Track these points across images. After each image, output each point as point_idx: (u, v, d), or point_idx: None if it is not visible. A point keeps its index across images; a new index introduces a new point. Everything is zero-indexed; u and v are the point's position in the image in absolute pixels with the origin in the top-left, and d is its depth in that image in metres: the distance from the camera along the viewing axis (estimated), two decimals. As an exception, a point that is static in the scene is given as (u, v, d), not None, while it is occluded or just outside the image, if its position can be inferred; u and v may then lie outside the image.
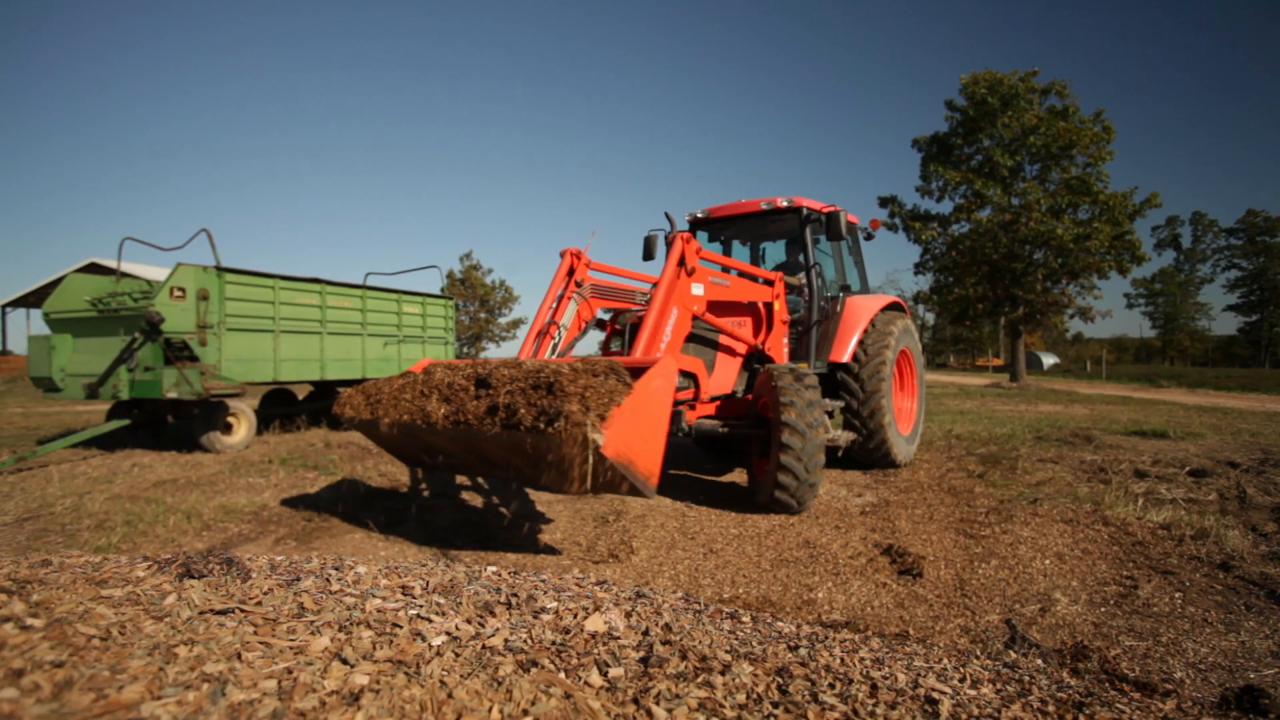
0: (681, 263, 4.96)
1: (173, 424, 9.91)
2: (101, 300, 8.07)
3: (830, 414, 6.32)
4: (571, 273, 5.27)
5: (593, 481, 3.43)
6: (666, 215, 6.49)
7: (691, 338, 5.70)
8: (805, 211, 6.47)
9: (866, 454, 6.57)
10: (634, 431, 3.47)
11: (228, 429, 8.39)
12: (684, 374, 5.23)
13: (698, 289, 5.22)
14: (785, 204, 6.50)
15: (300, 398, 11.51)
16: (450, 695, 1.66)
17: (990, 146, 24.09)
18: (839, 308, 6.76)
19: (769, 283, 6.23)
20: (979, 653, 2.77)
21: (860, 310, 6.66)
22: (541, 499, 5.75)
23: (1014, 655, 2.73)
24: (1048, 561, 3.97)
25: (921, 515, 5.02)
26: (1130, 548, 4.18)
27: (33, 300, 30.15)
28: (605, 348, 6.47)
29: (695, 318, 5.29)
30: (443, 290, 14.29)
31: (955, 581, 3.70)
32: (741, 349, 6.15)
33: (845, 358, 6.38)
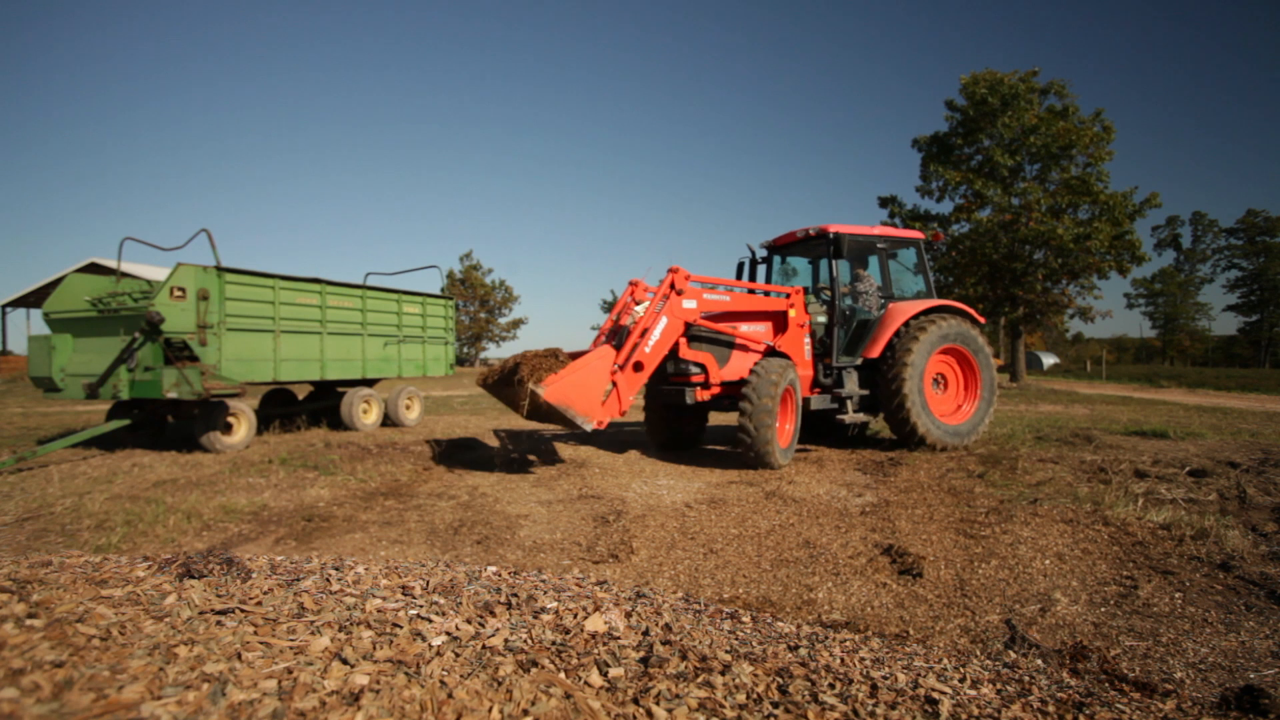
0: (672, 286, 6.91)
1: (173, 424, 9.91)
2: (101, 300, 8.07)
3: (853, 399, 7.92)
4: (634, 295, 7.33)
5: (538, 413, 6.21)
6: (749, 246, 8.72)
7: (705, 338, 7.42)
8: (831, 235, 7.80)
9: (899, 434, 7.88)
10: (570, 387, 6.11)
11: (228, 429, 8.39)
12: (695, 364, 7.28)
13: (689, 304, 7.04)
14: (815, 232, 8.02)
15: (300, 398, 11.52)
16: (450, 695, 1.66)
17: (990, 146, 24.07)
18: (882, 313, 8.12)
19: (786, 295, 7.83)
20: (979, 653, 2.78)
21: (897, 315, 7.90)
22: (544, 500, 5.75)
23: (1014, 655, 2.73)
24: (1048, 561, 3.96)
25: (921, 515, 5.02)
26: (1130, 548, 4.18)
27: (33, 300, 30.17)
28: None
29: (691, 324, 7.12)
30: (443, 290, 14.29)
31: (955, 581, 3.70)
32: (758, 346, 7.67)
33: (875, 354, 7.84)
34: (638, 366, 6.74)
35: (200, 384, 7.61)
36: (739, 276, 8.76)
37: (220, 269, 8.14)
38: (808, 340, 7.93)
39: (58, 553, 3.08)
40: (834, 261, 7.83)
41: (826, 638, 2.56)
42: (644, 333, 6.71)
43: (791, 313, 7.75)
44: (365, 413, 10.68)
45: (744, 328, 7.59)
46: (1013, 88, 23.24)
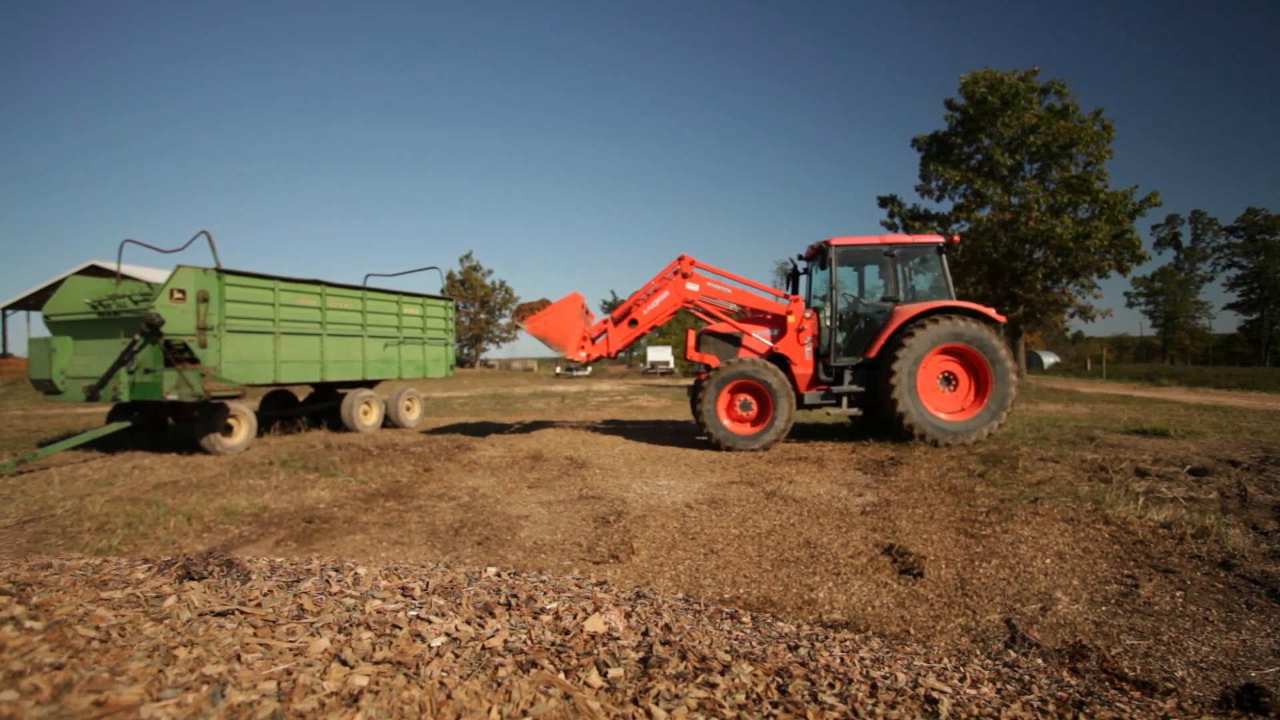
0: (679, 271, 8.65)
1: (173, 426, 9.91)
2: (102, 302, 8.08)
3: (846, 396, 8.60)
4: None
5: (533, 336, 8.60)
6: (791, 260, 9.91)
7: (712, 341, 8.94)
8: (825, 247, 8.69)
9: (895, 428, 8.21)
10: (545, 325, 8.50)
11: (228, 431, 8.40)
12: (702, 364, 8.86)
13: (692, 286, 8.67)
14: (819, 245, 8.85)
15: (300, 399, 11.52)
16: (450, 696, 1.66)
17: (990, 146, 24.06)
18: (888, 316, 8.52)
19: (787, 301, 8.87)
20: (979, 652, 2.78)
21: (898, 316, 8.28)
22: (545, 501, 5.75)
23: (1014, 654, 2.73)
24: (1048, 561, 3.96)
25: (922, 515, 5.02)
26: (1131, 547, 4.18)
27: (33, 303, 30.17)
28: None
29: (701, 331, 8.96)
30: (443, 291, 14.29)
31: (956, 581, 3.70)
32: (761, 348, 8.84)
33: (873, 354, 8.41)
34: (632, 322, 8.70)
35: (200, 386, 7.61)
36: (786, 285, 9.82)
37: (220, 271, 8.14)
38: (808, 342, 8.77)
39: (58, 555, 3.08)
40: (833, 270, 8.61)
41: (826, 638, 2.56)
42: (640, 300, 8.67)
43: (790, 318, 8.74)
44: (365, 414, 10.69)
45: (754, 332, 8.87)
46: (1013, 87, 23.24)
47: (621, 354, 9.56)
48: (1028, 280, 23.87)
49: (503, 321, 59.51)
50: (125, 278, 8.54)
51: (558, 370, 51.92)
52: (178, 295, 7.67)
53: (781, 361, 8.76)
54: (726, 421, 8.37)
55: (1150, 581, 3.61)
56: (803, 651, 2.27)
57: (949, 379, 8.37)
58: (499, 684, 1.75)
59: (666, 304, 8.66)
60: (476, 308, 57.60)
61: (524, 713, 1.64)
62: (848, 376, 8.59)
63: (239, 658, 1.76)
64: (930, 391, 8.23)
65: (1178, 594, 3.46)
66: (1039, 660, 2.64)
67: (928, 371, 8.17)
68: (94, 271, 23.72)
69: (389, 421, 11.33)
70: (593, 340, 8.85)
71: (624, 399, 19.12)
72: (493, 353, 62.16)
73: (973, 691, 2.01)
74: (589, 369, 53.18)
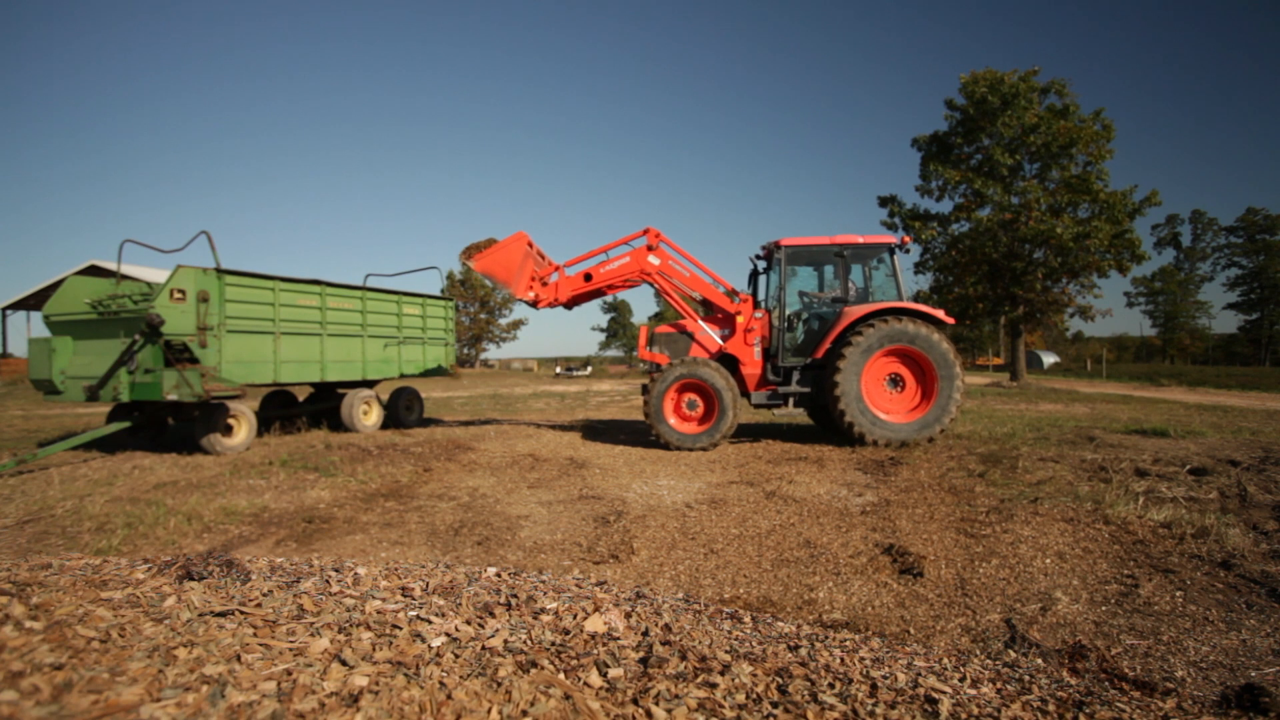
0: (646, 243, 8.89)
1: (173, 426, 9.91)
2: (102, 303, 8.07)
3: (792, 396, 8.66)
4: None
5: (479, 274, 8.63)
6: (751, 259, 9.55)
7: (663, 339, 9.06)
8: (774, 247, 8.74)
9: (841, 429, 8.23)
10: (491, 262, 8.51)
11: (228, 431, 8.39)
12: (653, 363, 8.98)
13: (653, 259, 8.87)
14: (770, 245, 8.82)
15: (300, 399, 11.52)
16: (449, 696, 1.66)
17: (990, 145, 24.03)
18: (836, 317, 8.51)
19: (735, 297, 8.98)
20: (979, 652, 2.77)
21: (845, 318, 8.28)
22: (545, 501, 5.75)
23: (1014, 654, 2.73)
24: (1048, 560, 3.96)
25: (922, 515, 5.02)
26: (1131, 546, 4.18)
27: (33, 303, 30.16)
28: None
29: (665, 327, 9.07)
30: (443, 291, 14.30)
31: (956, 581, 3.70)
32: (712, 347, 8.94)
33: (819, 355, 8.44)
34: (588, 277, 8.86)
35: (200, 386, 7.61)
36: (748, 284, 9.58)
37: (220, 271, 8.14)
38: (756, 342, 8.80)
39: (58, 555, 3.08)
40: (782, 270, 8.66)
41: (826, 637, 2.56)
42: (601, 258, 8.89)
43: (739, 318, 8.79)
44: (365, 414, 10.68)
45: (706, 330, 8.96)
46: (1013, 87, 23.20)
47: (575, 306, 9.19)
48: (1028, 280, 23.85)
49: (503, 321, 59.53)
50: (125, 278, 8.54)
51: (557, 370, 51.95)
52: (178, 295, 7.66)
53: (730, 361, 8.79)
54: (673, 420, 8.43)
55: (1150, 581, 3.61)
56: (803, 651, 2.27)
57: (896, 380, 8.31)
58: (499, 684, 1.75)
59: (625, 268, 8.82)
60: (476, 308, 57.60)
61: (524, 713, 1.64)
62: (795, 377, 8.61)
63: (239, 658, 1.76)
64: (876, 393, 8.21)
65: (1178, 594, 3.46)
66: (1039, 660, 2.64)
67: (874, 373, 8.16)
68: (94, 271, 23.72)
69: (389, 421, 11.34)
70: (543, 283, 8.88)
71: (624, 399, 19.13)
72: (493, 353, 62.20)
73: (973, 691, 2.01)
74: (589, 369, 53.16)
